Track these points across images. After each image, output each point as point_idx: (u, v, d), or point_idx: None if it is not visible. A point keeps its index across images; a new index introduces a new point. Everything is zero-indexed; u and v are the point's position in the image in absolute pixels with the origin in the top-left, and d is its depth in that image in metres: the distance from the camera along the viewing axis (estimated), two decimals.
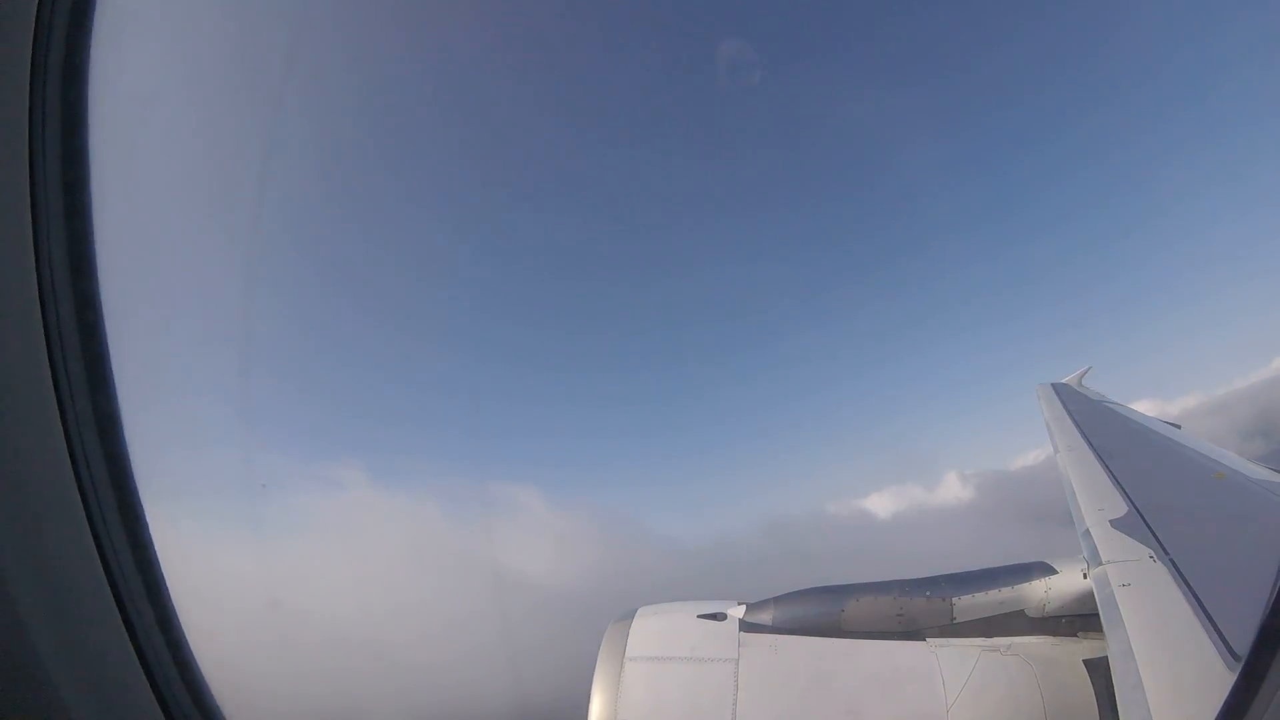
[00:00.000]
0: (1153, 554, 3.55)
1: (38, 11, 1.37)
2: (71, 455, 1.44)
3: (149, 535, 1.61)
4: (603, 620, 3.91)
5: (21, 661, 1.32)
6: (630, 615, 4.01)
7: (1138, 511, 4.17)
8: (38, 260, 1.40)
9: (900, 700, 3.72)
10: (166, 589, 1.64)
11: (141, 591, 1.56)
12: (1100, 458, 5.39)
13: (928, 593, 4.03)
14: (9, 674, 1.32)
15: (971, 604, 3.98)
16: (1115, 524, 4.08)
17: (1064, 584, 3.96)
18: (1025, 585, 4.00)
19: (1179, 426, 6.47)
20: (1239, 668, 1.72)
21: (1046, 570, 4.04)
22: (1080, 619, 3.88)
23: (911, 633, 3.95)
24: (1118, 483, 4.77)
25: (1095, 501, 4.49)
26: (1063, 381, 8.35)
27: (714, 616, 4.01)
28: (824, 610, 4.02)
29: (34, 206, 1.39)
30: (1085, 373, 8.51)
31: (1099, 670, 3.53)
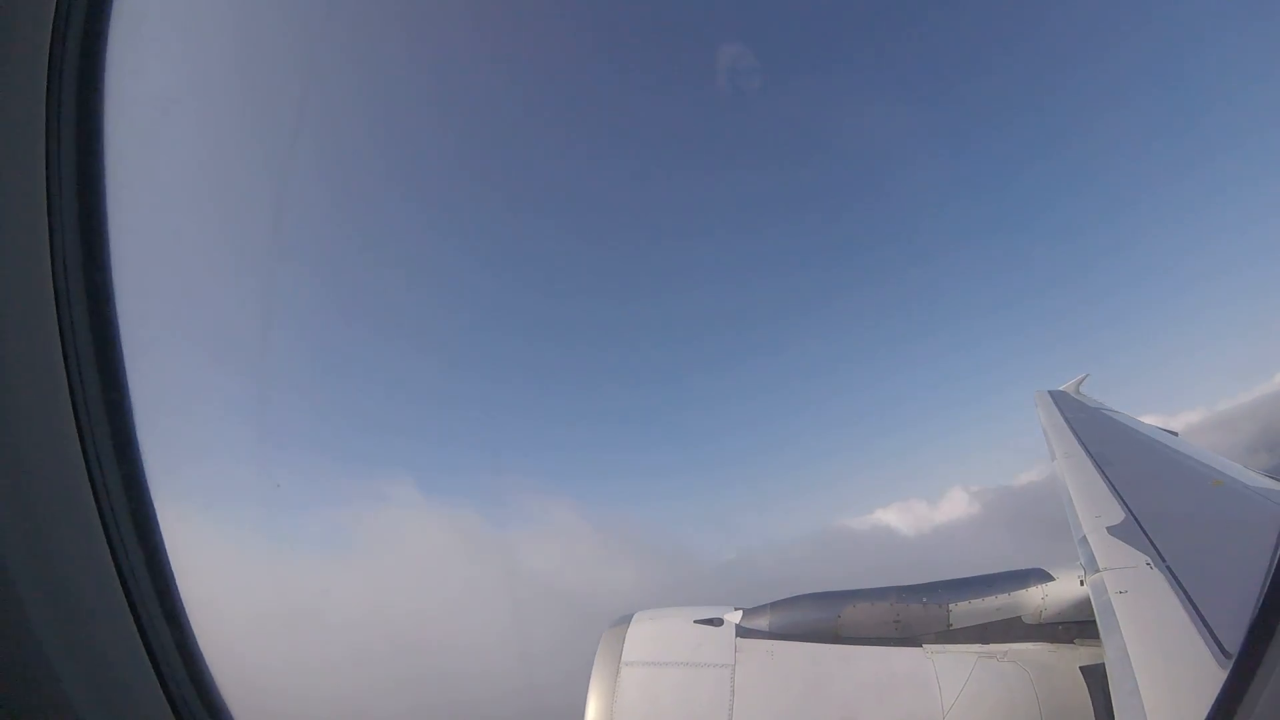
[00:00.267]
0: (1149, 561, 3.55)
1: (54, 15, 1.39)
2: (85, 456, 1.45)
3: (160, 535, 1.62)
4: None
5: (30, 661, 1.32)
6: (627, 620, 4.00)
7: (1135, 518, 4.17)
8: (53, 264, 1.41)
9: (897, 706, 3.71)
10: (177, 589, 1.64)
11: (152, 592, 1.57)
12: (1097, 465, 5.39)
13: (924, 599, 4.02)
14: (18, 674, 1.32)
15: (968, 610, 3.98)
16: (1112, 531, 4.08)
17: (1061, 590, 3.96)
18: (1022, 592, 3.99)
19: (1176, 434, 6.48)
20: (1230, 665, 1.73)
21: (1043, 577, 4.04)
22: (1077, 625, 3.88)
23: (908, 639, 3.94)
24: (1115, 490, 4.77)
25: (1092, 508, 4.49)
26: (1060, 389, 8.36)
27: (710, 622, 4.00)
28: (820, 616, 4.01)
29: (49, 211, 1.41)
30: (1083, 380, 8.51)
31: (1095, 677, 3.52)
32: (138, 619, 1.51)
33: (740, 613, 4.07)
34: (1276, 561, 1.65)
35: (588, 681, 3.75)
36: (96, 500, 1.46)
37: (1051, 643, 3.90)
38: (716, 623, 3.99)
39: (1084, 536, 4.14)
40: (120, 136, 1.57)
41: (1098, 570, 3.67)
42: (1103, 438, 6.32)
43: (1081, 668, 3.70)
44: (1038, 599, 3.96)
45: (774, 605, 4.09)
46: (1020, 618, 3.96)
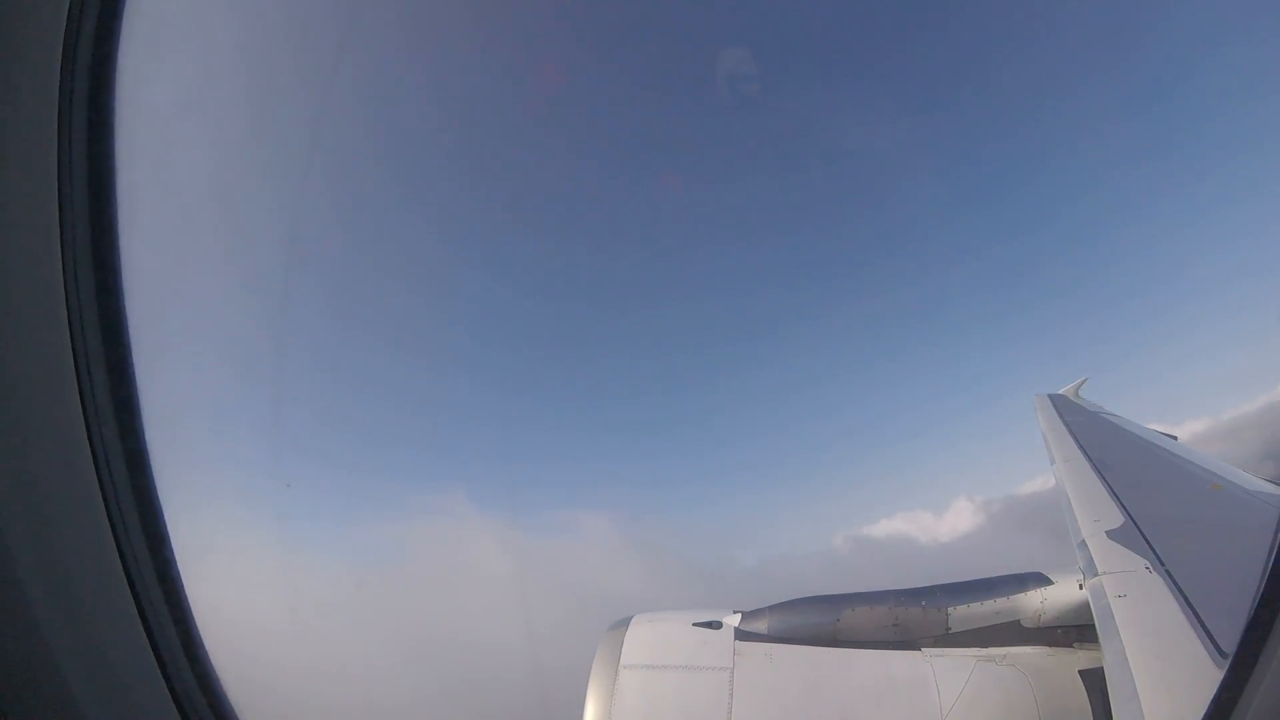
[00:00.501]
0: (1148, 565, 3.55)
1: (67, 19, 1.39)
2: (94, 457, 1.45)
3: (168, 536, 1.62)
4: None
5: (37, 662, 1.32)
6: (625, 623, 3.99)
7: (1134, 523, 4.17)
8: (64, 269, 1.42)
9: (895, 710, 3.70)
10: (184, 590, 1.64)
11: (159, 593, 1.57)
12: (1097, 469, 5.39)
13: (923, 602, 4.02)
14: (24, 674, 1.33)
15: (967, 614, 3.98)
16: (1111, 535, 4.08)
17: (1060, 595, 3.96)
18: (1021, 596, 3.99)
19: (1175, 437, 6.49)
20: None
21: (1042, 581, 4.04)
22: (1076, 629, 3.87)
23: (907, 643, 3.94)
24: (1114, 494, 4.77)
25: (1091, 512, 4.50)
26: (1059, 392, 8.36)
27: (709, 625, 4.00)
28: (819, 619, 4.01)
29: (61, 216, 1.41)
30: (1082, 383, 8.51)
31: (1094, 681, 3.52)
32: (144, 620, 1.51)
33: (739, 616, 4.06)
34: (1272, 561, 1.65)
35: (586, 684, 3.75)
36: (105, 500, 1.47)
37: (1050, 646, 3.90)
38: (715, 626, 3.99)
39: (1083, 540, 4.15)
40: (132, 143, 1.58)
41: (1097, 574, 3.67)
42: (1102, 442, 6.32)
43: (1080, 672, 3.70)
44: (1036, 603, 3.96)
45: (772, 608, 4.09)
46: (1019, 621, 3.96)
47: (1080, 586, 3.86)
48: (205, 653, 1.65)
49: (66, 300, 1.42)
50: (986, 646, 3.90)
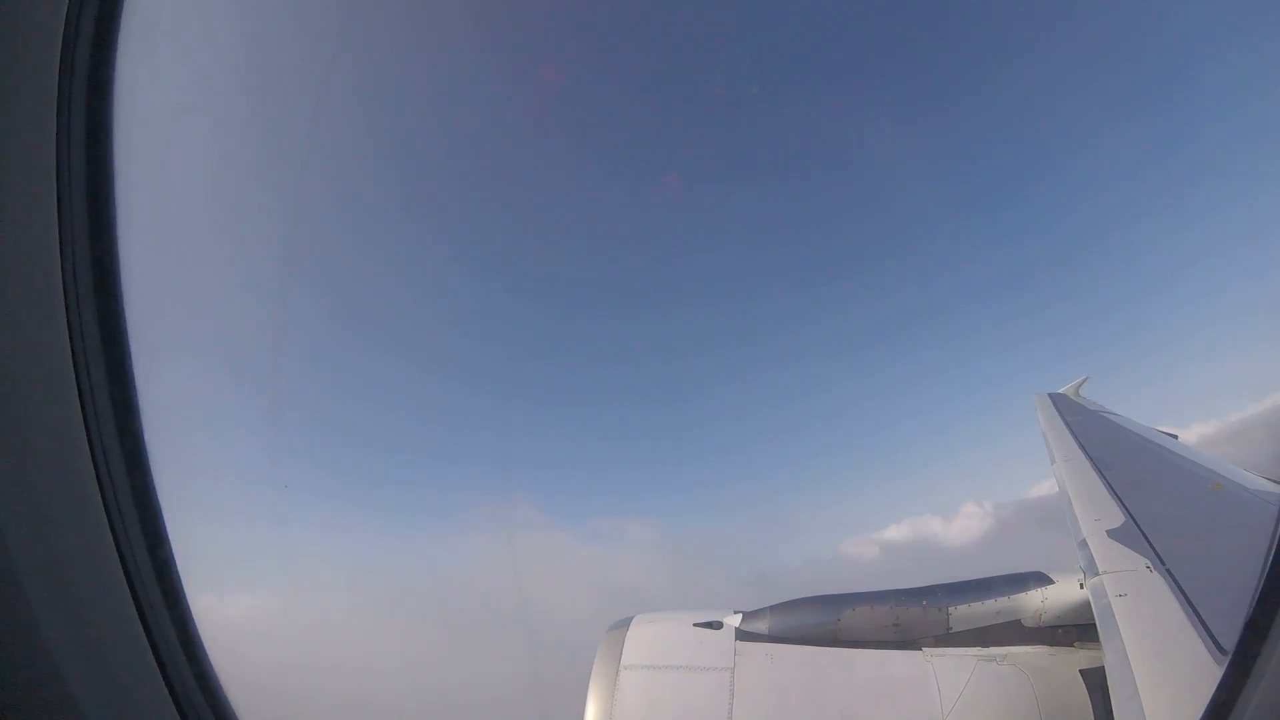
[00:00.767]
0: (1149, 564, 3.55)
1: (64, 23, 1.40)
2: (93, 458, 1.46)
3: (168, 537, 1.62)
4: None
5: (36, 663, 1.32)
6: (626, 623, 3.99)
7: (1134, 522, 4.17)
8: (63, 270, 1.42)
9: (896, 710, 3.70)
10: (184, 592, 1.64)
11: (158, 593, 1.57)
12: (1097, 468, 5.38)
13: (924, 602, 4.02)
14: (24, 675, 1.33)
15: (968, 614, 3.98)
16: (1112, 534, 4.07)
17: (1060, 594, 3.95)
18: (1021, 595, 3.99)
19: (1176, 436, 6.48)
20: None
21: (1043, 580, 4.04)
22: (1077, 629, 3.87)
23: (907, 642, 3.94)
24: (1115, 493, 4.76)
25: (1092, 512, 4.49)
26: (1059, 391, 8.35)
27: (710, 625, 4.00)
28: (820, 619, 4.01)
29: (60, 217, 1.42)
30: (1082, 383, 8.50)
31: (1095, 680, 3.52)
32: (144, 620, 1.51)
33: (740, 616, 4.06)
34: (1271, 560, 1.65)
35: (587, 684, 3.75)
36: (104, 501, 1.47)
37: (1051, 646, 3.90)
38: (716, 626, 3.99)
39: (1084, 540, 4.14)
40: (131, 145, 1.58)
41: (1097, 573, 3.67)
42: (1102, 441, 6.31)
43: (1081, 671, 3.69)
44: (1037, 602, 3.96)
45: (773, 608, 4.09)
46: (1020, 621, 3.95)
47: (1081, 586, 3.86)
48: (204, 652, 1.65)
49: (66, 301, 1.42)
50: (987, 646, 3.90)
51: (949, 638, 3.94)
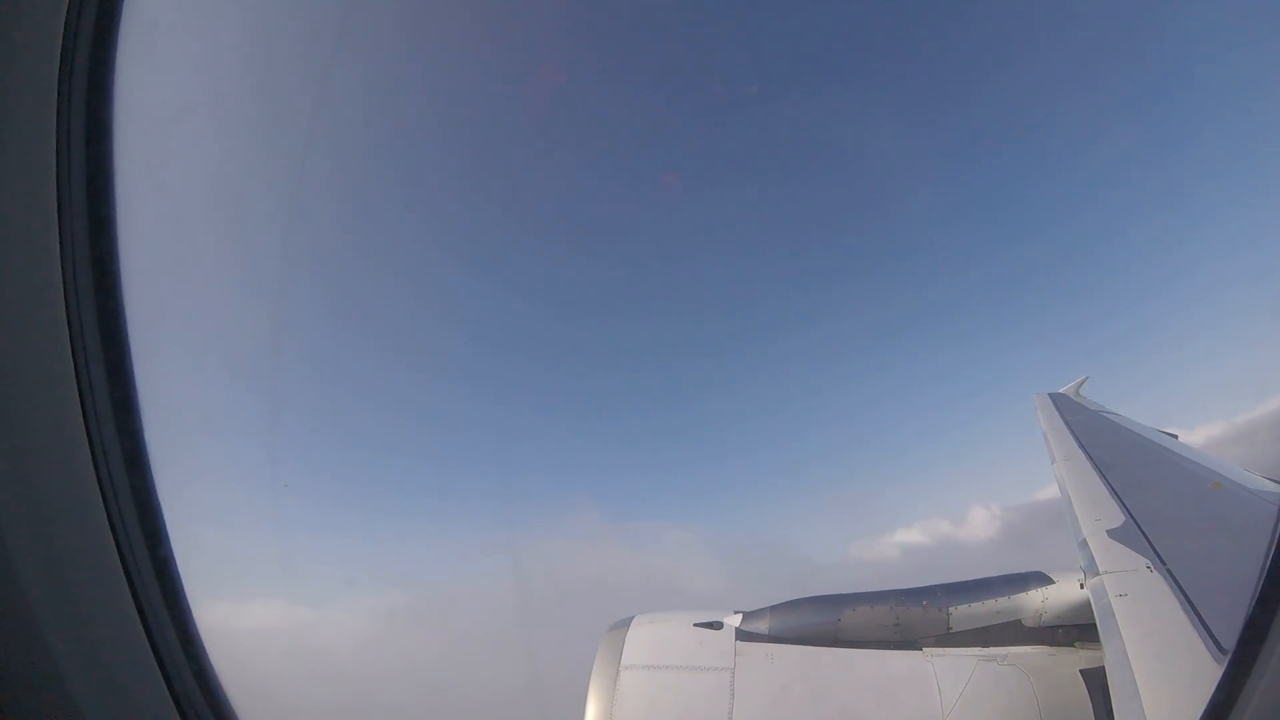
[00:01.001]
0: (1149, 564, 3.55)
1: (65, 23, 1.40)
2: (93, 458, 1.46)
3: (168, 537, 1.63)
4: None
5: (36, 662, 1.32)
6: (626, 623, 3.99)
7: (1135, 522, 4.17)
8: (63, 270, 1.42)
9: (896, 709, 3.70)
10: (183, 589, 1.64)
11: (158, 593, 1.57)
12: (1097, 468, 5.38)
13: (924, 602, 4.02)
14: (24, 674, 1.33)
15: (968, 614, 3.98)
16: (1112, 534, 4.07)
17: (1061, 594, 3.95)
18: (1022, 595, 3.99)
19: (1176, 436, 6.47)
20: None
21: (1043, 580, 4.04)
22: (1077, 629, 3.87)
23: (908, 642, 3.94)
24: (1115, 493, 4.76)
25: (1092, 512, 4.49)
26: (1060, 391, 8.35)
27: (710, 625, 4.00)
28: (820, 619, 4.01)
29: (60, 217, 1.42)
30: (1083, 382, 8.50)
31: (1095, 680, 3.52)
32: (144, 619, 1.52)
33: (740, 616, 4.06)
34: (1270, 559, 1.65)
35: (587, 685, 3.75)
36: (104, 500, 1.47)
37: (1051, 646, 3.90)
38: (716, 626, 3.99)
39: (1084, 540, 4.14)
40: (131, 145, 1.58)
41: (1098, 573, 3.66)
42: (1102, 441, 6.31)
43: (1081, 671, 3.69)
44: (1037, 602, 3.96)
45: (773, 609, 4.09)
46: (1020, 621, 3.95)
47: (1081, 586, 3.86)
48: (204, 652, 1.65)
49: (66, 301, 1.42)
50: (987, 646, 3.90)
51: (949, 638, 3.94)
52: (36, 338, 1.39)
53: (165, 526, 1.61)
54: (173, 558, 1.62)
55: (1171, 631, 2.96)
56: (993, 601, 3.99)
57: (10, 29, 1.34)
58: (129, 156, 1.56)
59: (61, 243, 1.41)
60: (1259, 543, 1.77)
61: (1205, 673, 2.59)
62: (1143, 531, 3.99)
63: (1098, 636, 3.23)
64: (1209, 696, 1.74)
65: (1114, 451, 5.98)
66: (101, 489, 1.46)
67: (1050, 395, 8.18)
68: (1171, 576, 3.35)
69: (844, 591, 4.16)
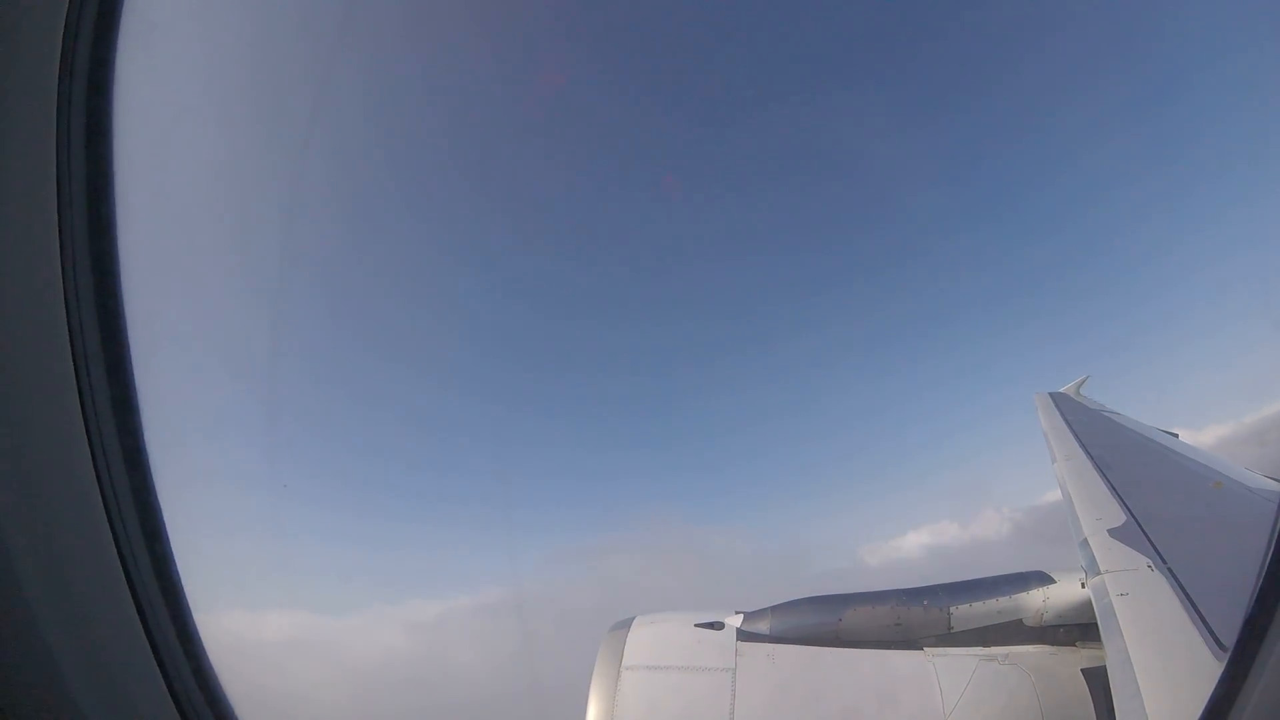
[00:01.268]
0: (1150, 563, 3.54)
1: (65, 23, 1.40)
2: (93, 457, 1.46)
3: (168, 535, 1.63)
4: None
5: (36, 662, 1.32)
6: (627, 624, 3.99)
7: (1136, 521, 4.16)
8: (63, 269, 1.42)
9: (898, 709, 3.70)
10: (183, 589, 1.64)
11: (157, 592, 1.57)
12: (1098, 467, 5.37)
13: (925, 602, 4.02)
14: (23, 674, 1.33)
15: (969, 613, 3.98)
16: (1113, 533, 4.07)
17: (1062, 593, 3.95)
18: (1023, 595, 3.99)
19: (1176, 435, 6.47)
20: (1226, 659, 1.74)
21: (1044, 580, 4.04)
22: (1078, 628, 3.87)
23: (909, 642, 3.94)
24: (1116, 492, 4.75)
25: (1093, 511, 4.49)
26: (1060, 391, 8.34)
27: (711, 625, 4.00)
28: (821, 619, 4.01)
29: (60, 216, 1.42)
30: (1083, 381, 8.49)
31: (1097, 680, 3.51)
32: (143, 618, 1.52)
33: (741, 616, 4.06)
34: (1270, 557, 1.65)
35: (588, 685, 3.75)
36: (104, 499, 1.47)
37: (1053, 645, 3.90)
38: (717, 626, 3.99)
39: (1085, 539, 4.14)
40: (131, 145, 1.58)
41: (1099, 573, 3.66)
42: (1103, 440, 6.30)
43: (1083, 670, 3.69)
44: (1039, 602, 3.95)
45: (774, 609, 4.08)
46: (1021, 620, 3.95)
47: (1082, 585, 3.85)
48: (204, 651, 1.65)
49: (66, 301, 1.42)
50: (988, 646, 3.90)
51: (950, 637, 3.94)
52: (36, 338, 1.39)
53: (165, 526, 1.61)
54: (172, 557, 1.62)
55: (1173, 631, 2.96)
56: (994, 601, 3.98)
57: (10, 29, 1.34)
58: (129, 156, 1.56)
59: (61, 243, 1.41)
60: (1260, 541, 1.77)
61: (1206, 671, 2.59)
62: (1143, 531, 3.99)
63: (1099, 636, 3.22)
64: (1209, 694, 1.74)
65: (1115, 451, 5.97)
66: (101, 489, 1.46)
67: (1051, 395, 8.17)
68: (1173, 575, 3.35)
69: (839, 592, 4.16)
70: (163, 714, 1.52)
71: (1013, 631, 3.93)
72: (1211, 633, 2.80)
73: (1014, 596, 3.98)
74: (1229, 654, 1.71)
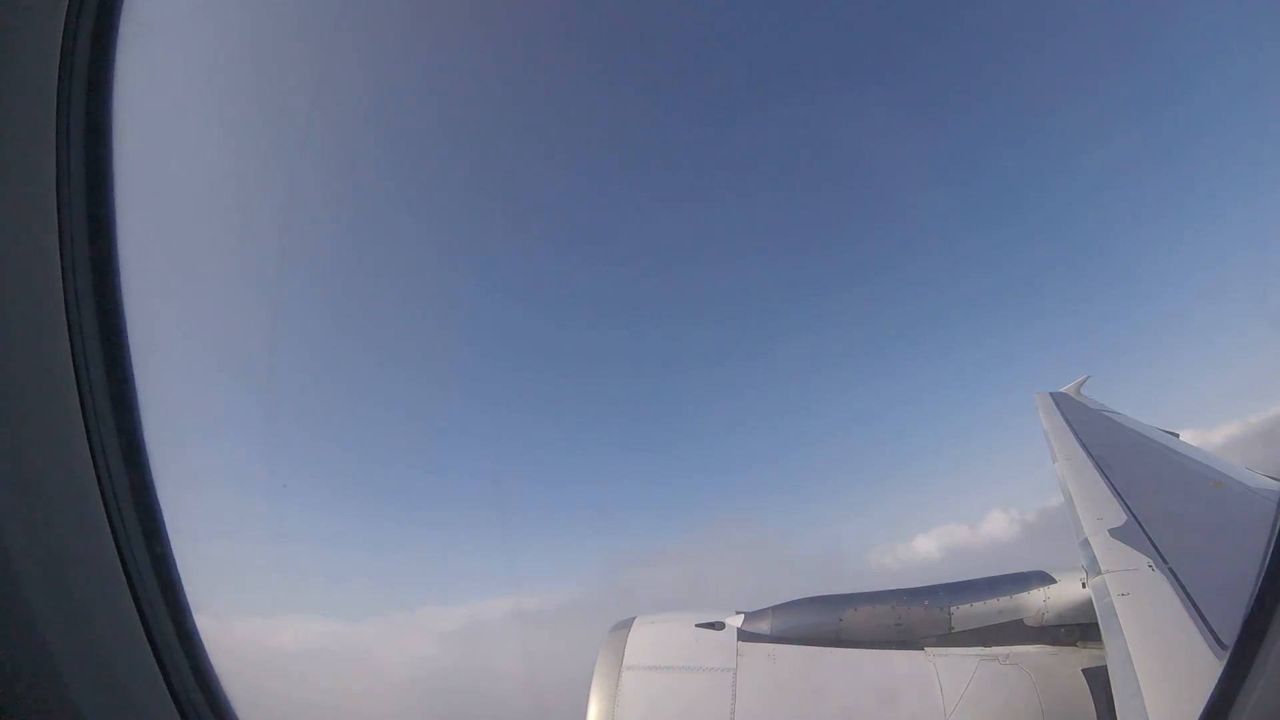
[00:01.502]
0: (1151, 563, 3.54)
1: (64, 24, 1.40)
2: (92, 457, 1.46)
3: (167, 535, 1.63)
4: None
5: (35, 662, 1.32)
6: (628, 624, 3.99)
7: (1136, 521, 4.16)
8: (63, 269, 1.42)
9: (898, 709, 3.70)
10: (182, 588, 1.65)
11: (157, 591, 1.57)
12: (1099, 467, 5.37)
13: (925, 602, 4.02)
14: (23, 674, 1.33)
15: (970, 613, 3.97)
16: (1114, 533, 4.07)
17: (1062, 593, 3.95)
18: (1023, 594, 3.99)
19: (1177, 434, 6.47)
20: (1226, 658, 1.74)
21: (1045, 579, 4.03)
22: (1079, 628, 3.87)
23: (909, 642, 3.94)
24: (1116, 492, 4.75)
25: (1094, 511, 4.48)
26: (1061, 390, 8.35)
27: (712, 625, 3.99)
28: (822, 620, 4.01)
29: (59, 217, 1.42)
30: (1084, 381, 8.49)
31: (1098, 679, 3.51)
32: (143, 618, 1.52)
33: (742, 616, 4.06)
34: (1270, 556, 1.65)
35: (589, 685, 3.75)
36: (103, 499, 1.47)
37: (1053, 645, 3.89)
38: (718, 626, 3.99)
39: (1085, 539, 4.13)
40: (130, 146, 1.58)
41: (1099, 572, 3.66)
42: (1104, 440, 6.30)
43: (1084, 670, 3.69)
44: (1039, 601, 3.95)
45: (775, 609, 4.08)
46: (1022, 620, 3.95)
47: (1083, 585, 3.85)
48: (203, 650, 1.65)
49: (65, 301, 1.42)
50: (989, 645, 3.90)
51: (951, 637, 3.94)
52: (36, 338, 1.40)
53: (164, 525, 1.61)
54: (172, 556, 1.62)
55: (1173, 630, 2.96)
56: (994, 601, 3.98)
57: (10, 30, 1.34)
58: (128, 157, 1.57)
59: (61, 243, 1.42)
60: (1260, 541, 1.77)
61: (1207, 671, 2.59)
62: (1144, 530, 3.99)
63: (1100, 635, 3.22)
64: (1210, 694, 1.73)
65: (1115, 450, 5.97)
66: (101, 488, 1.46)
67: (1051, 395, 8.18)
68: (1173, 575, 3.35)
69: (840, 592, 4.16)
70: (162, 713, 1.52)
71: (1013, 631, 3.93)
72: (1212, 632, 2.80)
73: (1015, 596, 3.98)
74: (1229, 653, 1.71)
